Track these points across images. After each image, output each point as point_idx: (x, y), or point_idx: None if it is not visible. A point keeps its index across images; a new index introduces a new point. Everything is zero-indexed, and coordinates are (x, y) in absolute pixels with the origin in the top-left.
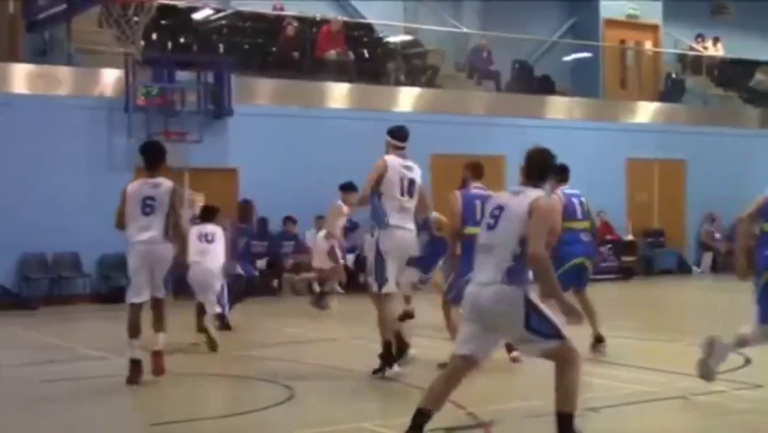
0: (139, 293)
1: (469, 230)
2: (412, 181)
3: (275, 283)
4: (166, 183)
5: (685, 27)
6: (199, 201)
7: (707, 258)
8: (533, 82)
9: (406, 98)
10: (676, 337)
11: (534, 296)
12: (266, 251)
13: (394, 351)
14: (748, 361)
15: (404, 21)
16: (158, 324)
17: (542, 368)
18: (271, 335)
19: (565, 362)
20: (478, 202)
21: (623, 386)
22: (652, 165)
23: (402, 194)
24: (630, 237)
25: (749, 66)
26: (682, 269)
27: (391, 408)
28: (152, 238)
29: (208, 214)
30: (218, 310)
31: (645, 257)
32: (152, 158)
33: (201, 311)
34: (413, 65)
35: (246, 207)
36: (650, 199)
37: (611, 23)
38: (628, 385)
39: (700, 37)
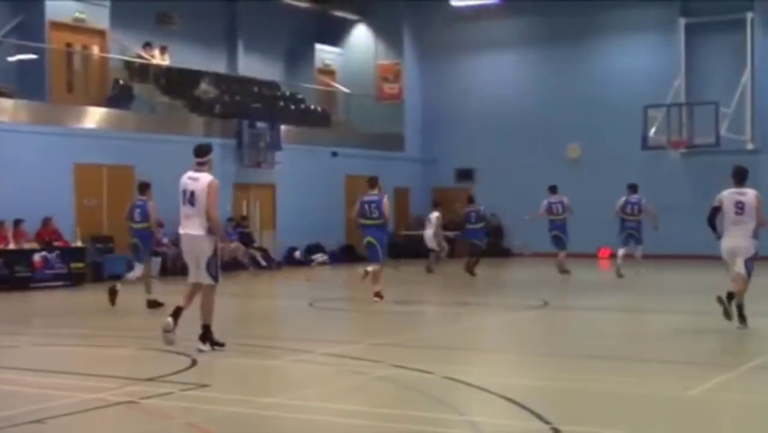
0: None
1: None
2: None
3: None
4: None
5: (133, 34)
6: None
7: (156, 263)
8: None
9: None
10: (121, 342)
11: None
12: None
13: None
14: (194, 362)
15: None
16: None
17: None
18: None
19: None
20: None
21: (70, 395)
22: (101, 170)
23: None
24: (79, 243)
25: (194, 76)
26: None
27: None
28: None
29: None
30: None
31: (94, 262)
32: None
33: None
34: None
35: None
36: (99, 204)
37: (57, 25)
38: (75, 393)
39: (148, 45)
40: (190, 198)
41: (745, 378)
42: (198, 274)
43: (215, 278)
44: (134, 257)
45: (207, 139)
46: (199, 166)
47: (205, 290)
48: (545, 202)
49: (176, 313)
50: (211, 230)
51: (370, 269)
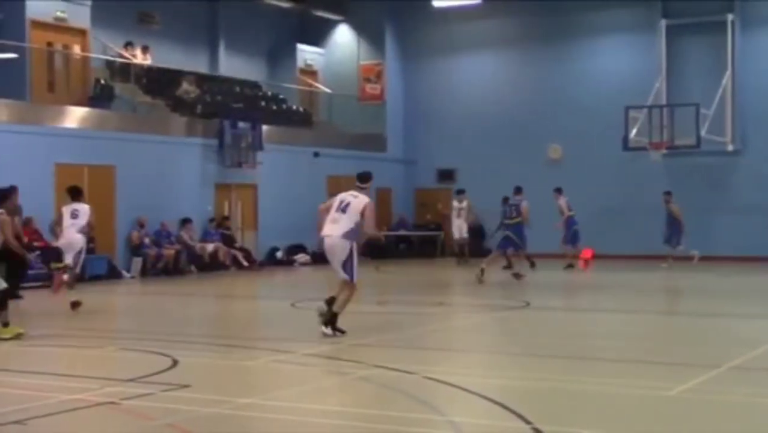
0: None
1: None
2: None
3: None
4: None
5: (114, 33)
6: None
7: (137, 263)
8: None
9: None
10: (102, 343)
11: None
12: None
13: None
14: (175, 362)
15: None
16: None
17: None
18: None
19: None
20: None
21: (49, 396)
22: (82, 170)
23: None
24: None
25: (175, 75)
26: (112, 274)
27: None
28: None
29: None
30: None
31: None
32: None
33: None
34: None
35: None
36: None
37: (38, 24)
38: (55, 394)
39: (129, 45)
40: (344, 207)
41: (724, 379)
42: (339, 271)
43: (351, 277)
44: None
45: (188, 139)
46: (360, 190)
47: (343, 285)
48: (524, 203)
49: (330, 301)
50: (348, 235)
51: None
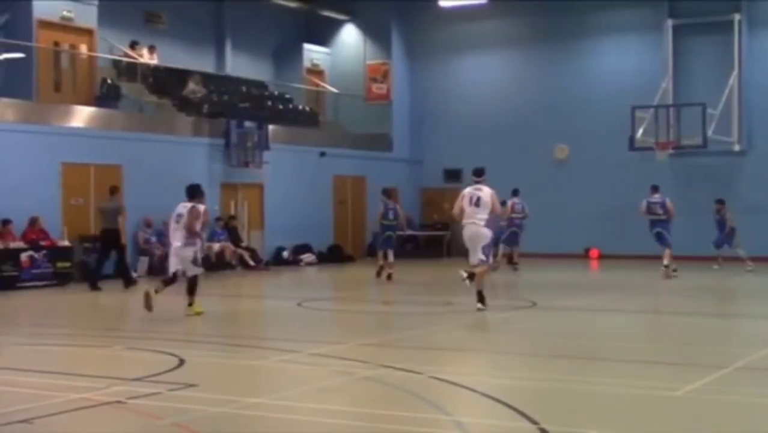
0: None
1: None
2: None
3: None
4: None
5: (120, 33)
6: None
7: (144, 262)
8: None
9: None
10: (109, 342)
11: None
12: None
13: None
14: (182, 362)
15: None
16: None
17: None
18: None
19: None
20: None
21: (56, 395)
22: (88, 170)
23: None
24: (66, 242)
25: (182, 75)
26: (119, 274)
27: None
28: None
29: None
30: None
31: (81, 262)
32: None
33: None
34: None
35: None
36: (86, 204)
37: (45, 24)
38: (62, 393)
39: (136, 44)
40: (477, 202)
41: (730, 379)
42: (473, 256)
43: (486, 258)
44: None
45: (195, 139)
46: (478, 183)
47: (481, 266)
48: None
49: (471, 276)
50: (488, 224)
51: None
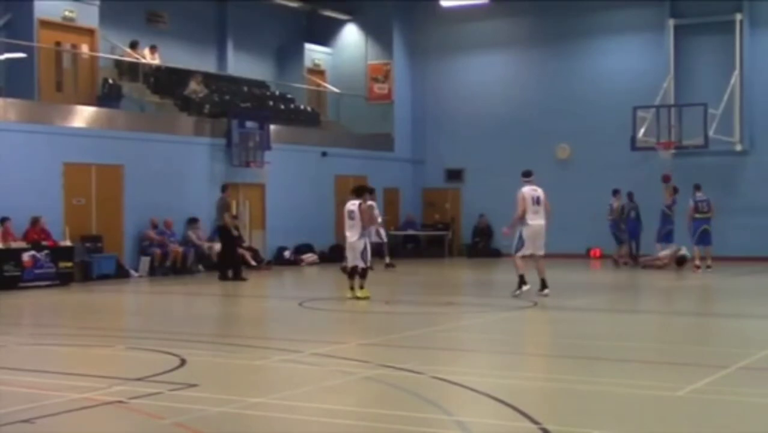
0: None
1: None
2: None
3: None
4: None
5: (122, 33)
6: None
7: (145, 262)
8: None
9: None
10: (110, 342)
11: None
12: None
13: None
14: (183, 362)
15: None
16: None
17: None
18: None
19: None
20: None
21: (58, 395)
22: (90, 169)
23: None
24: (67, 242)
25: (184, 75)
26: (120, 273)
27: None
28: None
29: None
30: None
31: (83, 262)
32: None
33: None
34: None
35: None
36: (88, 204)
37: (47, 24)
38: (63, 393)
39: (137, 44)
40: (537, 201)
41: (733, 379)
42: (535, 249)
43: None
44: None
45: (196, 139)
46: (528, 182)
47: (541, 259)
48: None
49: (524, 281)
50: (548, 221)
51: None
